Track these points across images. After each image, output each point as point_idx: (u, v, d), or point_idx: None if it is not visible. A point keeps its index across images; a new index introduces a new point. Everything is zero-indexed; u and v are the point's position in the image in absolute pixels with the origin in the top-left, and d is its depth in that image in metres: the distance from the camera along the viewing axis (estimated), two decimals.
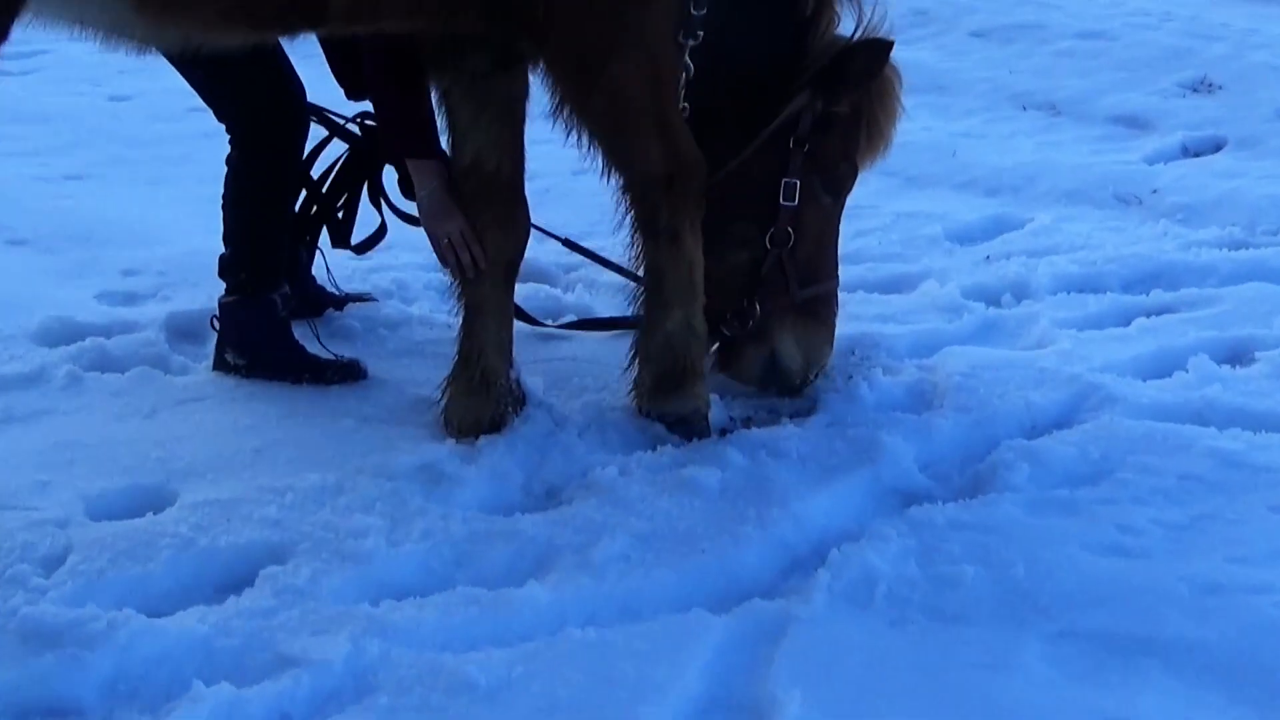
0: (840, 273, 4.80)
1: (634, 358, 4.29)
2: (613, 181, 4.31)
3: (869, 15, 4.37)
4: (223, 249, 4.49)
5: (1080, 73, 8.13)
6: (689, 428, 4.21)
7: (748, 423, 4.41)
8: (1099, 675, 3.32)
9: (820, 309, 4.49)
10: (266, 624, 3.31)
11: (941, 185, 6.64)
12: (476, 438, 4.25)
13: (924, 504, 3.95)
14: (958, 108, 7.77)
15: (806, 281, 4.42)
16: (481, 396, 4.34)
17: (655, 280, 4.27)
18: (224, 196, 4.52)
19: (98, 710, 3.10)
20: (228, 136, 4.50)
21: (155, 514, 3.68)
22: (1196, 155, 7.06)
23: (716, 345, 4.52)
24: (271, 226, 4.57)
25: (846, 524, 3.87)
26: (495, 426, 4.32)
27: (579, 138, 4.25)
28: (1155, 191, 6.42)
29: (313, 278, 4.85)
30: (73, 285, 5.16)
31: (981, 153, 7.01)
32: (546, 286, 5.22)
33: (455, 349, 4.33)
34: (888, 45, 4.36)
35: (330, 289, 4.87)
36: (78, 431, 4.17)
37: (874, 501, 4.04)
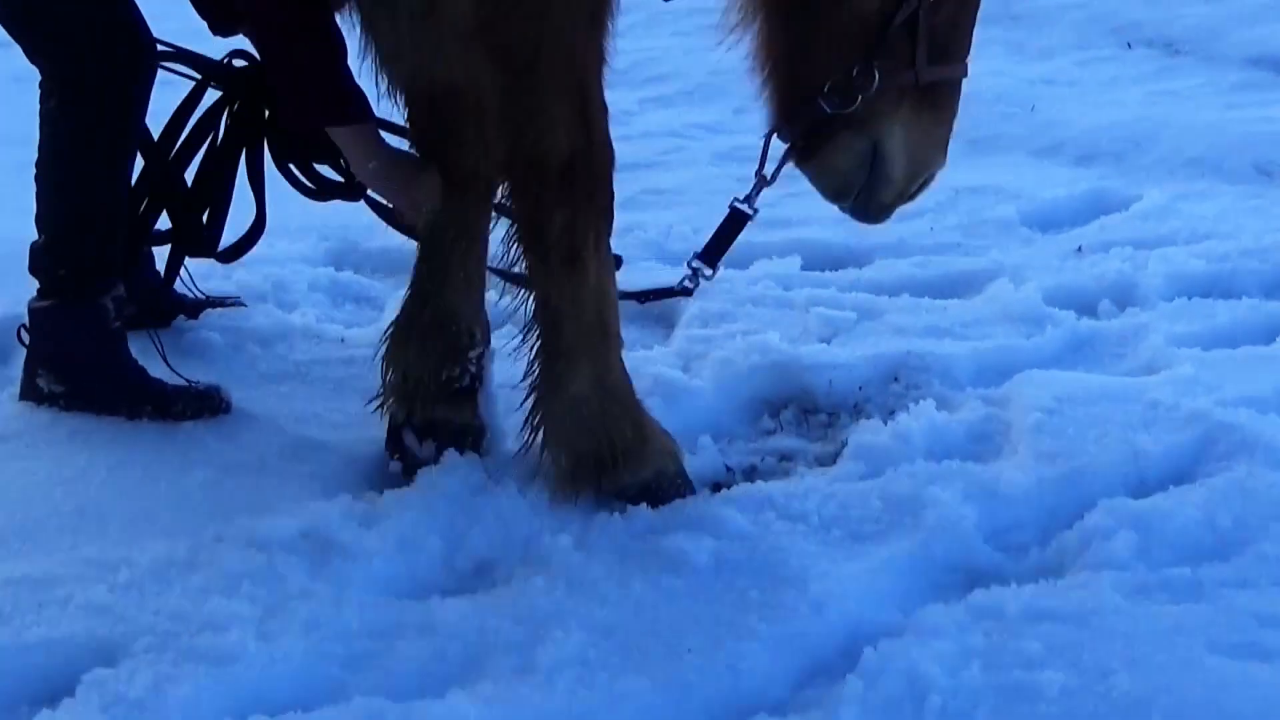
0: (885, 261, 4.83)
1: (531, 432, 4.25)
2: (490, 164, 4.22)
3: None
4: (35, 235, 4.48)
5: None
6: (659, 495, 4.18)
7: (751, 474, 4.39)
8: None
9: (942, 101, 4.40)
10: None
11: (1016, 150, 6.76)
12: (420, 407, 4.28)
13: (991, 586, 3.95)
14: (1039, 44, 7.87)
15: (937, 56, 4.31)
16: (433, 345, 4.35)
17: (550, 321, 4.21)
18: (37, 164, 4.48)
19: None
20: (40, 82, 4.46)
21: None
22: None
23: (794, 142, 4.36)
24: (101, 205, 4.53)
25: (886, 613, 3.87)
26: (446, 391, 4.35)
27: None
28: None
29: (156, 274, 4.84)
30: None
31: (1071, 107, 7.15)
32: None
33: (407, 286, 4.34)
34: None
35: (182, 290, 4.88)
36: None
37: (924, 582, 4.04)
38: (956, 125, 4.92)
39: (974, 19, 4.43)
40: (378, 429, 4.55)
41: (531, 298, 4.24)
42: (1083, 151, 6.81)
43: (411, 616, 3.80)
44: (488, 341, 4.52)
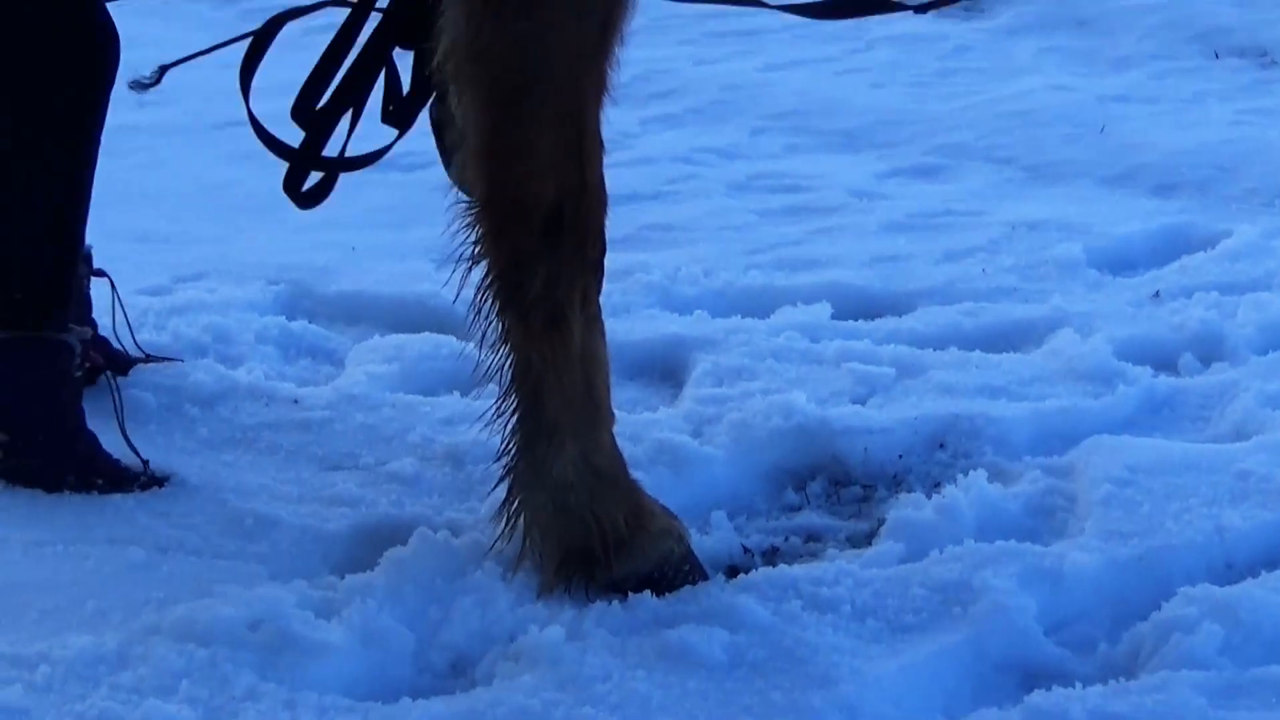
0: (929, 308, 4.90)
1: (511, 530, 4.25)
2: (463, 208, 4.25)
3: None
4: None
5: None
6: (663, 585, 4.19)
7: (772, 556, 4.42)
8: None
9: None
10: None
11: (1084, 179, 6.80)
12: None
13: (1053, 687, 3.92)
14: (1110, 54, 7.93)
15: None
16: None
17: (530, 391, 4.22)
18: None
19: None
20: None
21: None
22: None
23: None
24: (60, 214, 4.53)
25: (930, 719, 3.90)
26: None
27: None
28: None
29: (93, 320, 4.85)
30: None
31: (1148, 128, 7.20)
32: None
33: None
34: None
35: (115, 343, 4.87)
36: None
37: (974, 683, 4.02)
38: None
39: None
40: (336, 502, 4.57)
41: (509, 362, 4.25)
42: (1161, 180, 6.82)
43: None
44: None
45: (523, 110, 4.16)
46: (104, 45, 4.51)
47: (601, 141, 4.25)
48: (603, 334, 4.29)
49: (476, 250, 4.23)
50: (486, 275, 4.23)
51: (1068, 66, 7.79)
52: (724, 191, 6.71)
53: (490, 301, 4.22)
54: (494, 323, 4.23)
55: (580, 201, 4.16)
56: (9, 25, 4.45)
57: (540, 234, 4.11)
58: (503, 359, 4.24)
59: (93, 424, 4.63)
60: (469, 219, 4.21)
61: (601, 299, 4.43)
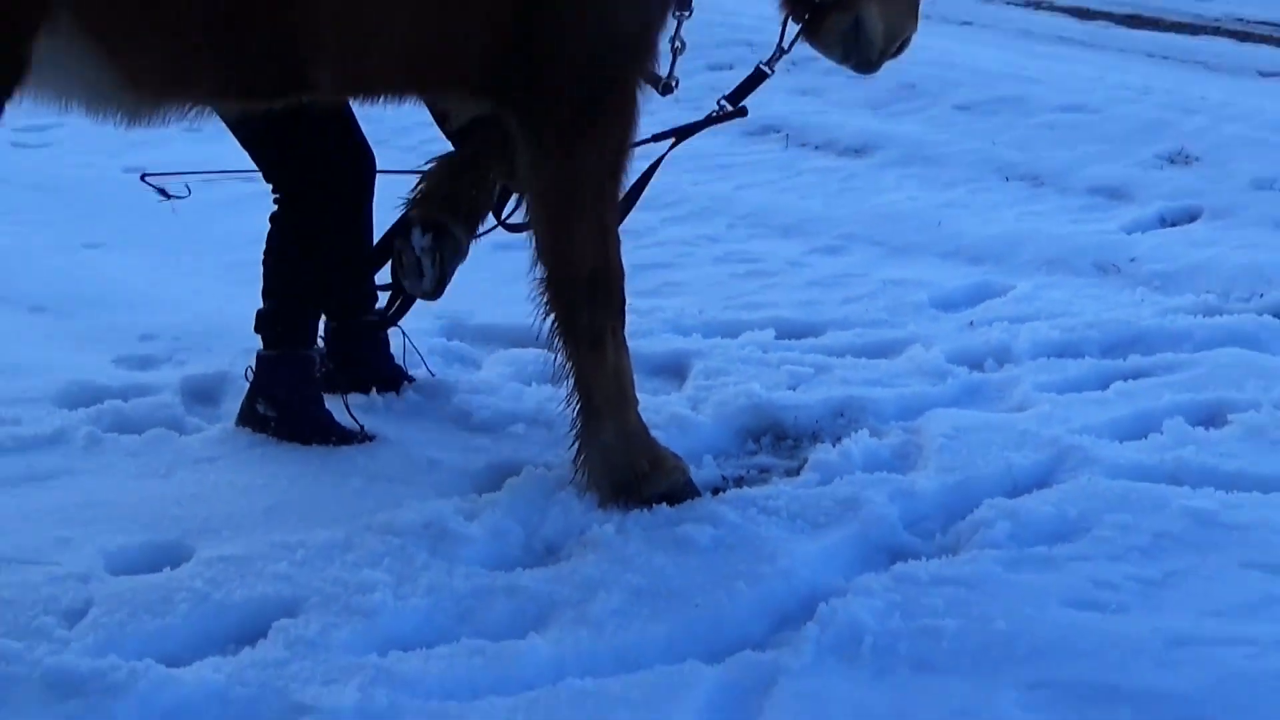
0: (834, 332, 4.83)
1: (580, 472, 4.31)
2: (538, 278, 4.28)
3: None
4: (262, 304, 4.50)
5: (1062, 144, 8.18)
6: (674, 499, 4.24)
7: (740, 482, 4.44)
8: None
9: None
10: (279, 674, 3.34)
11: (927, 253, 6.67)
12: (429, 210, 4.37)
13: (908, 560, 3.91)
14: (943, 178, 7.84)
15: None
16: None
17: (584, 389, 4.28)
18: (266, 252, 4.50)
19: None
20: (272, 189, 4.49)
21: (172, 569, 3.72)
22: (1173, 224, 7.05)
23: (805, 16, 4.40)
24: (310, 288, 4.54)
25: (834, 580, 3.85)
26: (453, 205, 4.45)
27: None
28: (1133, 260, 6.42)
29: (390, 357, 4.85)
30: (91, 350, 5.22)
31: (966, 222, 7.08)
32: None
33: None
34: None
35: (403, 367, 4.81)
36: (97, 490, 4.21)
37: (861, 558, 4.02)
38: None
39: None
40: (477, 450, 4.55)
41: (570, 369, 4.27)
42: (974, 254, 6.66)
43: (501, 583, 3.78)
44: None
45: (568, 219, 4.17)
46: (368, 171, 4.49)
47: (618, 236, 4.28)
48: (627, 352, 4.31)
49: (547, 303, 4.25)
50: (554, 318, 4.25)
51: (918, 185, 7.62)
52: (710, 262, 6.57)
53: (557, 333, 4.25)
54: (560, 346, 4.25)
55: (607, 273, 4.20)
56: (307, 162, 4.38)
57: (584, 293, 4.15)
58: (567, 367, 4.27)
59: (330, 404, 4.60)
60: (543, 286, 4.22)
61: (627, 329, 4.46)
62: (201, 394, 4.86)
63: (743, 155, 8.13)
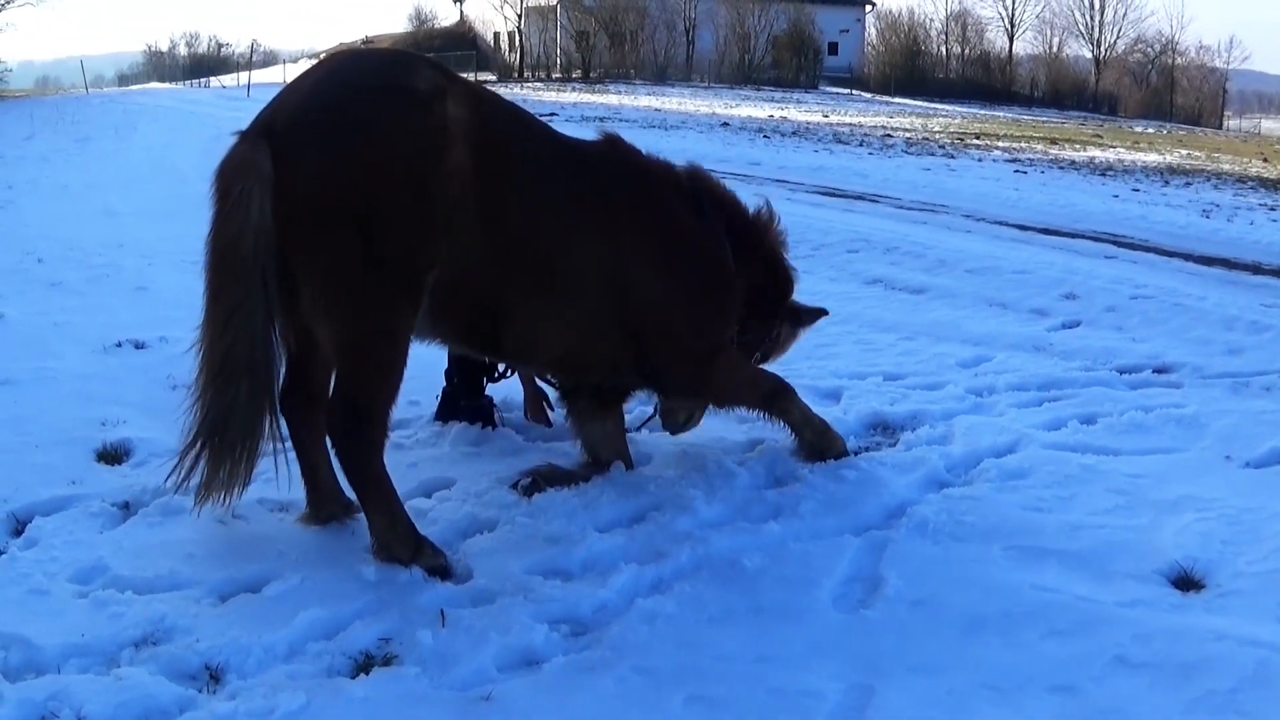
0: (909, 380, 5.98)
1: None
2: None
3: None
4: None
5: (1015, 289, 9.76)
6: (840, 456, 5.17)
7: (866, 450, 5.46)
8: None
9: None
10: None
11: (953, 340, 8.11)
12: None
13: (949, 488, 5.04)
14: (958, 304, 9.34)
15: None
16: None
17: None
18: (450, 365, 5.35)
19: None
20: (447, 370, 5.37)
21: None
22: (1068, 328, 8.62)
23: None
24: (460, 365, 5.44)
25: (913, 496, 4.94)
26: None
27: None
28: (1051, 344, 7.87)
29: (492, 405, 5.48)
30: None
31: (971, 326, 8.51)
32: None
33: None
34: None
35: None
36: None
37: (926, 486, 5.12)
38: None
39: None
40: (547, 438, 5.55)
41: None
42: (975, 341, 8.10)
43: (755, 496, 4.83)
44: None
45: (739, 397, 5.08)
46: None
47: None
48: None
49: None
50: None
51: (947, 308, 9.22)
52: (849, 344, 7.86)
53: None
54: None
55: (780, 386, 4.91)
56: (478, 371, 5.32)
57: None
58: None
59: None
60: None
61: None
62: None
63: (865, 294, 9.81)
